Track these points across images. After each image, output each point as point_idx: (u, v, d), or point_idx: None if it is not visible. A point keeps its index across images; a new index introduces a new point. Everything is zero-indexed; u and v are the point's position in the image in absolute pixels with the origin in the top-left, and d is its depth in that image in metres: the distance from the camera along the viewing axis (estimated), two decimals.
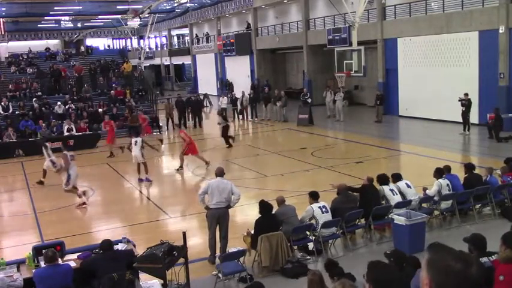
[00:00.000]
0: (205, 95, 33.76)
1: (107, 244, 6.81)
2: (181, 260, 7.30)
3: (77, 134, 20.90)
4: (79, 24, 50.66)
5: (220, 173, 8.66)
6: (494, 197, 9.77)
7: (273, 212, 8.48)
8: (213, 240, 8.39)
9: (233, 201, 8.45)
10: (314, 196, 8.71)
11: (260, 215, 8.25)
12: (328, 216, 8.48)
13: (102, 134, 21.81)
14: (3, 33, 36.36)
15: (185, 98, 27.32)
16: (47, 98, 25.87)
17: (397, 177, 9.66)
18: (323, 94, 25.31)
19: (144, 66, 40.56)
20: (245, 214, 10.81)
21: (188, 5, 40.09)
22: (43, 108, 23.82)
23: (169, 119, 25.21)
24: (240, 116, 26.90)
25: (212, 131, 25.21)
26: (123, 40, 59.02)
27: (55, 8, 37.33)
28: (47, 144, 15.00)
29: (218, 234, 8.46)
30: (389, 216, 8.79)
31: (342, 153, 16.84)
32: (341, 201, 8.94)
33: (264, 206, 8.30)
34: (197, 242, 9.55)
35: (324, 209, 8.48)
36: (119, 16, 37.65)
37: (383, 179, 9.46)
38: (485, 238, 5.26)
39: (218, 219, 8.36)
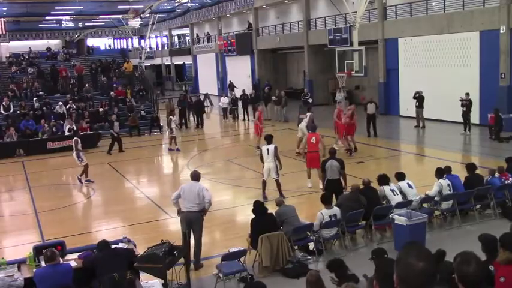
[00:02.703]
0: (206, 95, 33.74)
1: (104, 243, 6.85)
2: (182, 259, 7.32)
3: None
4: (80, 24, 50.69)
5: (194, 176, 8.46)
6: (495, 197, 9.76)
7: (273, 212, 8.49)
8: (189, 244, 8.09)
9: (206, 205, 8.20)
10: (326, 201, 8.68)
11: (254, 215, 8.25)
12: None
13: (103, 134, 21.82)
14: (4, 32, 36.36)
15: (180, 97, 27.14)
16: (47, 97, 25.89)
17: (400, 176, 9.66)
18: (336, 97, 24.90)
19: (145, 66, 40.55)
20: (245, 214, 10.79)
21: (189, 4, 40.09)
22: (44, 108, 23.84)
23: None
24: (241, 116, 26.87)
25: (213, 131, 25.24)
26: (124, 40, 59.03)
27: (56, 7, 37.34)
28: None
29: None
30: (390, 216, 8.78)
31: (342, 153, 16.81)
32: (348, 199, 8.95)
33: (256, 206, 8.30)
34: None
35: (333, 218, 8.46)
36: (120, 16, 37.64)
37: (383, 180, 9.46)
38: (497, 241, 4.94)
39: (189, 223, 8.10)
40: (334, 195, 9.89)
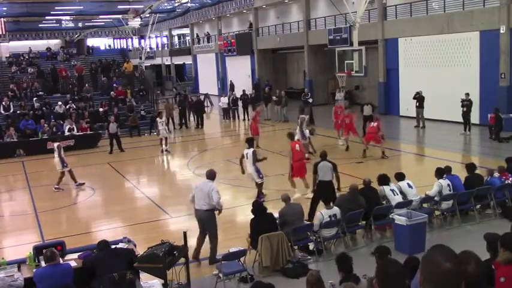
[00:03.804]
0: (206, 95, 33.74)
1: (104, 243, 6.85)
2: (182, 259, 7.31)
3: (78, 133, 20.92)
4: (80, 24, 50.68)
5: (209, 175, 8.56)
6: (495, 197, 9.75)
7: (277, 211, 8.48)
8: (198, 241, 8.40)
9: (216, 206, 8.30)
10: (326, 201, 8.65)
11: (253, 215, 8.26)
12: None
13: (103, 134, 21.83)
14: (4, 32, 36.35)
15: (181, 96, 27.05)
16: (47, 97, 25.89)
17: (400, 177, 9.66)
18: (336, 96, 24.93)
19: (145, 66, 40.54)
20: (245, 214, 10.78)
21: (189, 4, 40.09)
22: (44, 108, 23.84)
23: (170, 119, 25.19)
24: (241, 116, 26.86)
25: (213, 131, 25.24)
26: (124, 40, 59.02)
27: (56, 7, 37.35)
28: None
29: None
30: (390, 216, 8.79)
31: (342, 153, 16.83)
32: (346, 200, 8.93)
33: (256, 207, 8.30)
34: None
35: (333, 218, 8.47)
36: (120, 16, 37.65)
37: (383, 179, 9.46)
38: None
39: (200, 221, 8.37)
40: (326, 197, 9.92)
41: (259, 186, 11.62)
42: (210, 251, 8.35)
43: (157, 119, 19.47)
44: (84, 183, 14.46)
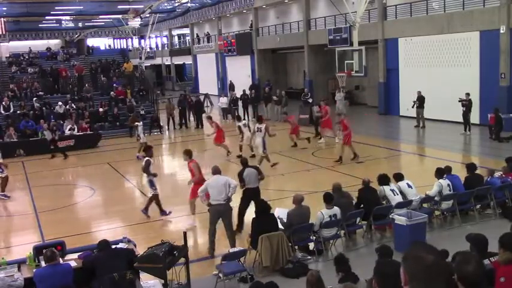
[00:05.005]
0: (206, 95, 33.73)
1: (104, 243, 6.85)
2: (182, 259, 7.32)
3: (78, 133, 20.90)
4: (80, 24, 50.70)
5: (216, 170, 8.97)
6: (495, 197, 9.75)
7: (288, 212, 8.50)
8: (212, 235, 8.65)
9: (231, 193, 8.71)
10: (327, 200, 8.59)
11: (256, 215, 8.26)
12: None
13: (103, 134, 21.84)
14: (4, 32, 36.37)
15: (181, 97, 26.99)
16: (47, 97, 25.88)
17: (398, 177, 9.66)
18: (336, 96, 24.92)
19: (145, 66, 40.56)
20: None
21: (189, 4, 40.10)
22: (44, 108, 23.83)
23: (171, 118, 25.20)
24: (242, 117, 26.83)
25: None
26: (124, 40, 59.03)
27: (56, 7, 37.36)
28: None
29: (223, 230, 8.74)
30: (390, 216, 8.79)
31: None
32: (337, 198, 8.92)
33: (261, 206, 8.30)
34: (198, 241, 9.56)
35: (333, 218, 8.45)
36: (120, 16, 37.68)
37: (383, 179, 9.45)
38: (487, 240, 5.22)
39: (219, 215, 8.66)
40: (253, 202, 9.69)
41: (151, 199, 10.98)
42: (230, 239, 8.60)
43: (137, 123, 18.90)
44: (9, 197, 13.62)
